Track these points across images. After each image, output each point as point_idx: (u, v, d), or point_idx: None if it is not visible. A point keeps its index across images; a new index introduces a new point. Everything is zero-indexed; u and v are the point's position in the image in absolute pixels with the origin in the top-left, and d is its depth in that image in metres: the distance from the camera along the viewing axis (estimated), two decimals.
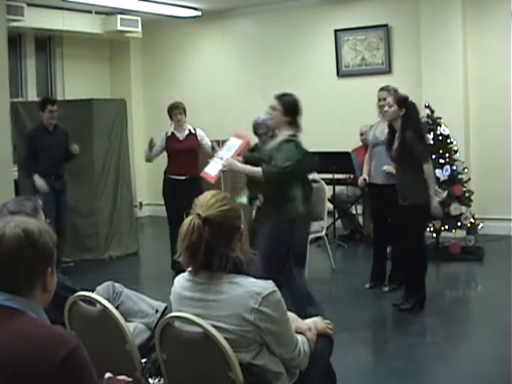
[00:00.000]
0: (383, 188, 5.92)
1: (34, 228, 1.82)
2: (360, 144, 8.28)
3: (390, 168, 5.76)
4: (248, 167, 4.84)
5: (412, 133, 5.31)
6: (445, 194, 6.35)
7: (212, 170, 5.04)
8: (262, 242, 4.64)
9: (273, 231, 4.66)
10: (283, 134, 4.77)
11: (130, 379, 2.30)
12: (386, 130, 5.89)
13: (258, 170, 4.68)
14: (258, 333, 2.42)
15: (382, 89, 6.07)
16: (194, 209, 2.47)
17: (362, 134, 8.29)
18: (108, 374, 2.27)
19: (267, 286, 2.44)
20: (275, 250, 4.65)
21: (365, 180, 6.23)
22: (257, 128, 6.02)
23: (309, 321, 2.83)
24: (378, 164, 6.03)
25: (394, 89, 5.96)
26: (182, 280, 2.58)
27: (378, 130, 6.05)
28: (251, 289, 2.41)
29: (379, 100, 6.02)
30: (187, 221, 2.43)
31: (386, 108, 5.46)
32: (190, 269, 2.54)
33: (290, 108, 4.76)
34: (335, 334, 2.89)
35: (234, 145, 5.02)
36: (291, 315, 2.69)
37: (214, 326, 2.40)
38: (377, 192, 6.13)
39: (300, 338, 2.62)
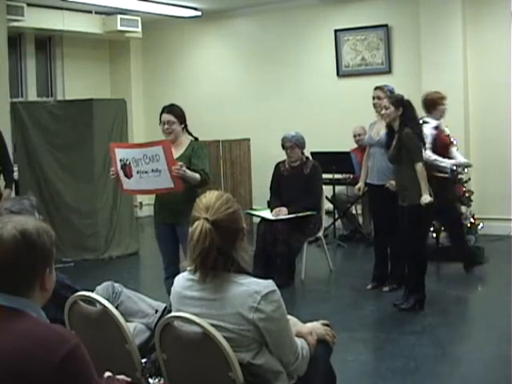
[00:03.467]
0: (379, 188, 5.93)
1: (31, 229, 1.81)
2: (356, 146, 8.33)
3: (392, 184, 5.74)
4: (191, 172, 4.78)
5: (409, 130, 5.33)
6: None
7: (166, 182, 4.68)
8: None
9: None
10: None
11: (128, 379, 2.30)
12: (382, 131, 5.91)
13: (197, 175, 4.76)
14: (258, 332, 2.42)
15: (376, 88, 6.10)
16: (197, 212, 2.45)
17: (355, 136, 8.31)
18: (107, 373, 2.27)
19: (267, 284, 2.43)
20: None
21: (359, 189, 6.35)
22: (284, 142, 6.58)
23: (308, 325, 2.81)
24: (373, 164, 6.05)
25: (390, 89, 5.97)
26: (182, 280, 2.58)
27: (374, 130, 6.08)
28: (251, 288, 2.41)
29: (373, 98, 6.05)
30: (197, 227, 2.40)
31: (384, 111, 5.48)
32: (190, 268, 2.53)
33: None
34: (335, 338, 2.87)
35: (156, 152, 4.70)
36: (292, 319, 2.69)
37: (215, 325, 2.40)
38: (373, 192, 6.16)
39: (300, 342, 2.61)
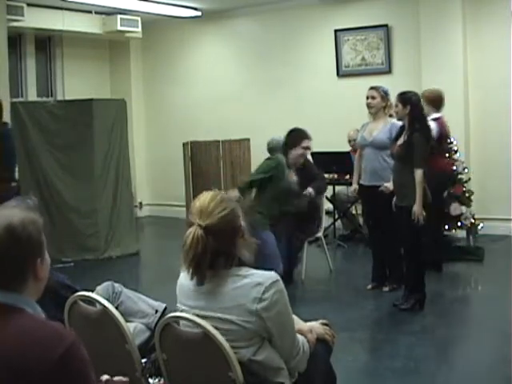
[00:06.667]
0: (371, 189, 5.92)
1: (16, 222, 1.79)
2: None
3: (387, 187, 5.73)
4: None
5: (419, 135, 5.31)
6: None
7: None
8: None
9: None
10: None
11: (125, 379, 2.28)
12: (375, 132, 5.92)
13: None
14: (261, 324, 2.43)
15: (371, 88, 6.07)
16: (191, 216, 2.45)
17: (350, 141, 8.28)
18: (105, 377, 2.25)
19: (270, 275, 2.45)
20: None
21: (355, 190, 6.31)
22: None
23: (307, 324, 2.82)
24: (366, 165, 6.03)
25: (384, 91, 5.96)
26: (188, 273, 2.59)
27: (366, 131, 6.06)
28: (254, 279, 2.43)
29: (367, 98, 6.03)
30: (190, 233, 2.40)
31: (394, 108, 5.52)
32: (191, 272, 2.53)
33: None
34: (335, 338, 2.88)
35: None
36: (293, 317, 2.69)
37: (219, 318, 2.42)
38: (366, 193, 6.11)
39: (301, 338, 2.63)
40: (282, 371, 2.51)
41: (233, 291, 2.43)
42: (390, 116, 6.07)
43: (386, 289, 6.05)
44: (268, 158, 6.12)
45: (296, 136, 5.68)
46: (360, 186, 6.18)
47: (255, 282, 2.42)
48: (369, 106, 6.02)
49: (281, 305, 2.44)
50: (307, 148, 5.24)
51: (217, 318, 2.43)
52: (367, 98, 6.03)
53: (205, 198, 2.48)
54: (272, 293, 2.41)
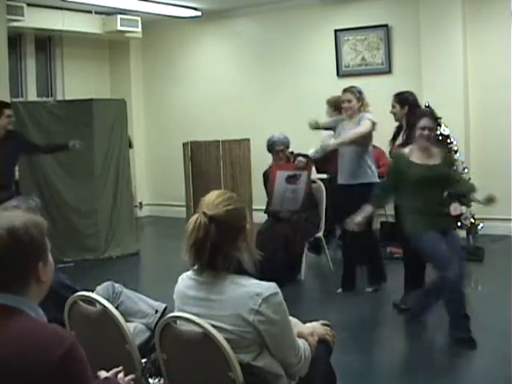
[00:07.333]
0: (346, 187, 5.86)
1: (18, 225, 1.79)
2: None
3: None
4: None
5: None
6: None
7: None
8: None
9: None
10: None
11: (119, 369, 2.27)
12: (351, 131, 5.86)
13: None
14: (258, 334, 2.42)
15: (345, 90, 5.97)
16: (199, 207, 2.49)
17: None
18: (104, 374, 2.24)
19: (269, 287, 2.43)
20: None
21: None
22: (276, 144, 6.42)
23: (308, 325, 2.82)
24: (343, 165, 5.95)
25: (359, 91, 5.89)
26: (185, 279, 2.59)
27: (343, 132, 5.98)
28: (252, 289, 2.41)
29: (343, 102, 5.96)
30: (193, 218, 2.45)
31: (391, 109, 5.52)
32: (194, 267, 2.54)
33: None
34: (335, 338, 2.88)
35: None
36: (292, 320, 2.68)
37: (214, 326, 2.41)
38: (343, 192, 5.95)
39: (302, 344, 2.61)
40: (281, 378, 2.51)
41: (230, 300, 2.42)
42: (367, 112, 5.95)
43: (368, 289, 6.00)
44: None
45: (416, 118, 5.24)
46: (338, 185, 6.01)
47: (253, 292, 2.40)
48: (345, 109, 5.93)
49: (278, 318, 2.41)
50: (424, 128, 4.72)
51: (213, 325, 2.41)
52: (343, 102, 5.95)
53: (213, 193, 2.54)
54: (269, 306, 2.39)
